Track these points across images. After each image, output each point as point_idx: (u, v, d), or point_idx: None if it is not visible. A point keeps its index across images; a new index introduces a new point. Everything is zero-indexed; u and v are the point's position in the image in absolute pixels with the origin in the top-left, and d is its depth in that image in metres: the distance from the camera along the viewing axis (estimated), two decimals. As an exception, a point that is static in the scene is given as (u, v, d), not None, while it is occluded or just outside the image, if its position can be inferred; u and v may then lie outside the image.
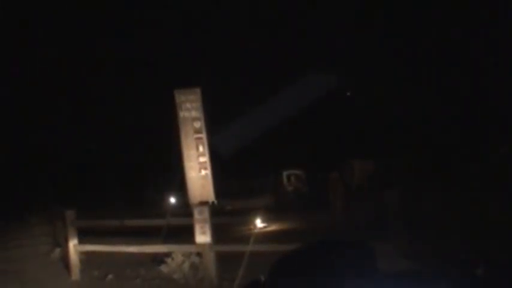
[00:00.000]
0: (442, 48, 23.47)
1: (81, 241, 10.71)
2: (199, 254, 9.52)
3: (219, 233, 9.53)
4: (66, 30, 25.23)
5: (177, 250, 9.82)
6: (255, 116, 25.20)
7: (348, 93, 27.29)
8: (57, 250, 12.53)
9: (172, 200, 18.53)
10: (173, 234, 10.74)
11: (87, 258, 10.97)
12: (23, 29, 24.20)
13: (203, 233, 9.27)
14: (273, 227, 14.50)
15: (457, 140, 19.75)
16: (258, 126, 24.19)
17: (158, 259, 10.16)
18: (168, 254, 9.93)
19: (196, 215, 9.33)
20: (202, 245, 9.24)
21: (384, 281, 1.84)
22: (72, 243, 10.56)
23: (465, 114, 21.17)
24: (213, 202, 18.37)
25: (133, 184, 21.63)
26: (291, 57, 27.96)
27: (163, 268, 9.82)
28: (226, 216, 15.56)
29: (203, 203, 10.92)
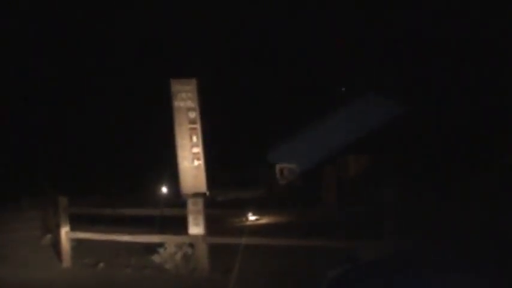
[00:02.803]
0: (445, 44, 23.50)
1: (73, 228, 10.67)
2: (191, 245, 9.52)
3: (210, 225, 9.53)
4: (62, 18, 25.12)
5: (170, 240, 9.81)
6: (251, 109, 25.20)
7: (343, 89, 27.28)
8: (48, 236, 12.50)
9: (165, 189, 18.52)
10: (165, 224, 10.76)
11: (78, 246, 10.94)
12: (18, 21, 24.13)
13: (196, 224, 9.27)
14: (265, 220, 14.52)
15: (456, 139, 19.80)
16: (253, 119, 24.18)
17: (150, 249, 10.15)
18: (160, 244, 9.92)
19: (190, 206, 9.32)
20: (195, 236, 9.25)
21: None
22: (64, 230, 10.51)
23: (466, 114, 21.22)
24: (204, 193, 18.45)
25: (126, 173, 21.58)
26: (288, 50, 27.96)
27: (156, 258, 9.81)
28: (217, 207, 15.59)
29: (197, 194, 10.90)
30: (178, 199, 17.41)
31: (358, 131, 19.91)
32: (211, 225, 9.61)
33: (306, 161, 19.47)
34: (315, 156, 18.66)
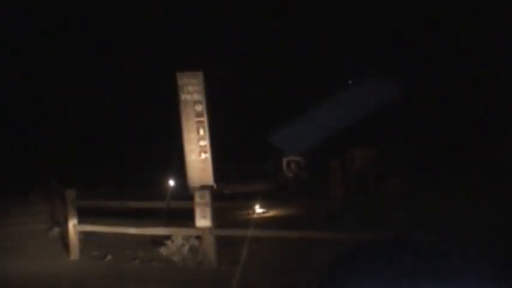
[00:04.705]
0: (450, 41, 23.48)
1: (81, 221, 10.70)
2: (198, 238, 9.52)
3: (217, 217, 9.53)
4: (69, 9, 25.14)
5: (177, 233, 9.83)
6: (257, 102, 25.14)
7: (350, 82, 27.22)
8: (56, 229, 12.56)
9: (172, 182, 18.54)
10: (172, 217, 10.77)
11: (86, 238, 10.98)
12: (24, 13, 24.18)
13: (203, 216, 9.27)
14: (272, 213, 14.51)
15: (460, 131, 19.76)
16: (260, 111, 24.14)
17: (158, 241, 10.17)
18: (167, 237, 9.94)
19: (198, 199, 9.32)
20: (203, 229, 9.24)
21: None
22: (72, 223, 10.55)
23: (470, 107, 21.19)
24: (211, 186, 18.47)
25: (134, 165, 21.63)
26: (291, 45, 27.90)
27: (163, 250, 9.83)
28: (224, 200, 15.60)
29: (204, 187, 10.90)
30: (185, 192, 17.44)
31: (358, 113, 19.87)
32: (219, 217, 9.61)
33: (307, 145, 19.39)
34: (315, 140, 18.60)
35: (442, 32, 23.86)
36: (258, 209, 13.99)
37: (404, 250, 0.97)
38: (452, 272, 0.95)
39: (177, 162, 19.08)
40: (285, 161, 21.79)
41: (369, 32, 25.74)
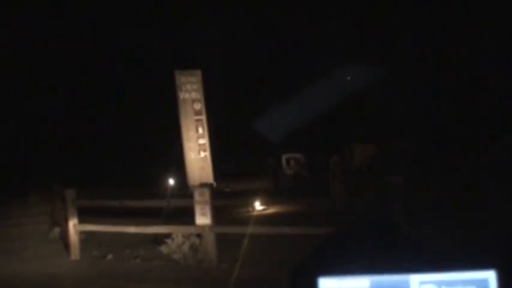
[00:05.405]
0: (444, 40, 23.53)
1: (81, 221, 10.71)
2: (199, 235, 9.53)
3: (217, 215, 9.53)
4: (69, 8, 25.17)
5: (177, 231, 9.83)
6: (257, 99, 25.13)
7: (349, 78, 27.19)
8: (57, 229, 12.57)
9: (171, 181, 18.55)
10: (173, 215, 10.78)
11: (86, 238, 10.99)
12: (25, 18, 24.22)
13: (203, 214, 9.27)
14: (272, 210, 14.54)
15: (457, 129, 19.79)
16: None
17: (158, 240, 10.18)
18: (168, 235, 9.94)
19: (197, 197, 9.31)
20: (203, 227, 9.24)
21: None
22: (72, 223, 10.55)
23: (466, 103, 21.22)
24: (211, 184, 18.47)
25: (133, 164, 21.63)
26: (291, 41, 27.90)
27: (163, 249, 9.84)
28: (225, 198, 15.62)
29: (204, 185, 10.90)
30: (185, 190, 17.45)
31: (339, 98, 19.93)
32: (219, 215, 9.61)
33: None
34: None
35: (443, 31, 23.92)
36: (258, 206, 14.02)
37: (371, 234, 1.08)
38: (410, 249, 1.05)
39: (176, 161, 19.10)
40: (284, 158, 21.81)
41: (369, 31, 25.78)
